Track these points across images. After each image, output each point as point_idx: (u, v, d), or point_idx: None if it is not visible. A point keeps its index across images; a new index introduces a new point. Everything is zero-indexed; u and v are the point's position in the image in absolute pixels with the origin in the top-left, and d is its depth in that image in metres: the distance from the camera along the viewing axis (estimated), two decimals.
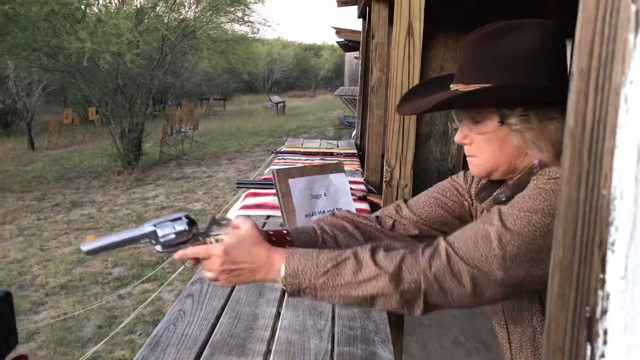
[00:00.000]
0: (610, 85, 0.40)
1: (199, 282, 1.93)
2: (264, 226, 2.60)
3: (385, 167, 2.20)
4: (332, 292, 1.08)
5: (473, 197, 1.36)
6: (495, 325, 1.32)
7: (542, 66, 1.10)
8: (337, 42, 15.55)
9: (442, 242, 1.06)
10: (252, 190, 3.17)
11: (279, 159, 4.33)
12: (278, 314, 1.75)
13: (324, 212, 2.17)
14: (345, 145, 5.34)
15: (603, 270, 0.40)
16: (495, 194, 1.25)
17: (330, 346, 1.55)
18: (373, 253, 1.07)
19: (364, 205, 2.96)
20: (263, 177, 3.51)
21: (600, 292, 0.41)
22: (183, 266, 5.49)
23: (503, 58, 1.11)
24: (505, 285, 1.01)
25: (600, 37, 0.41)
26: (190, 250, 1.17)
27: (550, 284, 0.49)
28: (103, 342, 4.53)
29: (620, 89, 0.39)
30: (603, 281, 0.40)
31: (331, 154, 4.53)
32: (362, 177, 3.79)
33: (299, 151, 4.62)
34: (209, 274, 1.17)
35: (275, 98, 26.61)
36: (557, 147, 1.09)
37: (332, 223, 1.37)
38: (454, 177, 1.43)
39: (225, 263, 1.13)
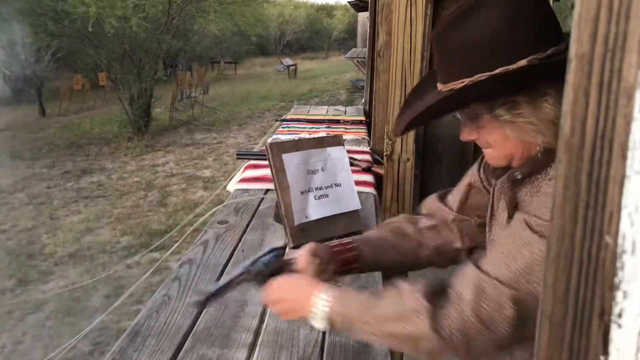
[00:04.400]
0: (620, 84, 0.27)
1: (187, 263, 1.84)
2: (261, 202, 2.49)
3: (386, 140, 2.07)
4: (374, 329, 1.03)
5: (487, 175, 1.27)
6: None
7: (518, 43, 0.96)
8: (349, 2, 15.22)
9: (470, 267, 0.99)
10: (252, 162, 3.05)
11: (283, 127, 4.20)
12: None
13: (321, 187, 2.06)
14: (354, 112, 5.18)
15: (605, 350, 0.28)
16: (510, 170, 1.13)
17: (321, 336, 1.46)
18: (416, 291, 1.01)
19: (369, 178, 2.83)
20: (264, 148, 3.39)
21: None
22: (188, 232, 5.43)
23: (470, 47, 0.98)
24: None
25: (608, 11, 0.28)
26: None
27: (537, 339, 0.38)
28: (108, 312, 4.51)
29: (634, 90, 0.26)
30: None
31: (338, 122, 4.39)
32: (369, 146, 3.65)
33: (305, 119, 4.48)
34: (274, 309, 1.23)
35: (287, 61, 26.26)
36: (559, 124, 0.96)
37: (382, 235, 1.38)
38: (472, 168, 1.35)
39: (277, 302, 1.19)
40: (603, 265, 0.28)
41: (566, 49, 0.97)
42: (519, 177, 1.07)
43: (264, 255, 1.28)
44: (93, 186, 8.63)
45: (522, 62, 0.95)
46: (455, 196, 1.36)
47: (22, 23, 10.23)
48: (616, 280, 0.27)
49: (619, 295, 0.27)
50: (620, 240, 0.27)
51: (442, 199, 1.39)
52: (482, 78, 0.97)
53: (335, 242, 1.36)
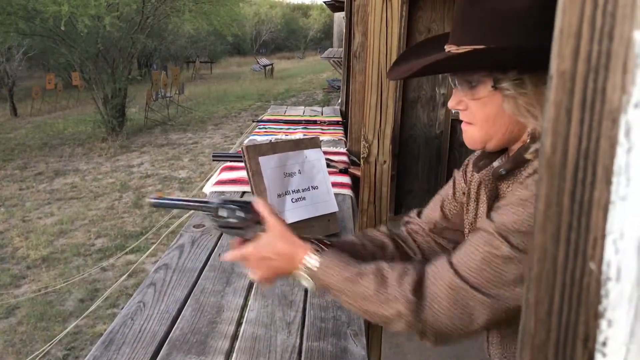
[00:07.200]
0: (604, 106, 0.27)
1: (163, 268, 1.81)
2: None
3: (362, 143, 2.07)
4: (351, 302, 1.07)
5: (470, 169, 1.26)
6: None
7: (545, 23, 0.97)
8: (325, 2, 15.24)
9: (446, 267, 1.01)
10: (228, 164, 3.02)
11: (259, 129, 4.17)
12: (245, 304, 1.63)
13: (298, 190, 2.04)
14: (330, 113, 5.17)
15: None
16: (494, 165, 1.14)
17: (298, 341, 1.44)
18: (399, 277, 1.04)
19: (345, 179, 2.83)
20: (240, 150, 3.36)
21: None
22: (164, 235, 5.37)
23: (499, 15, 0.99)
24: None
25: (590, 28, 0.28)
26: (237, 254, 1.20)
27: (519, 358, 0.37)
28: (84, 316, 4.44)
29: (619, 114, 0.25)
30: None
31: (314, 123, 4.37)
32: (346, 147, 3.65)
33: (281, 119, 4.46)
34: (251, 274, 1.21)
35: (263, 60, 26.17)
36: None
37: (372, 238, 1.37)
38: (455, 170, 1.36)
39: (259, 260, 1.17)
40: (587, 291, 0.27)
41: None
42: (504, 172, 1.08)
43: (239, 205, 1.21)
44: (66, 188, 8.49)
45: (547, 42, 0.96)
46: (430, 214, 1.39)
47: None
48: (600, 308, 0.27)
49: (603, 323, 0.27)
50: (604, 267, 0.26)
51: (419, 214, 1.42)
52: (504, 48, 0.98)
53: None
